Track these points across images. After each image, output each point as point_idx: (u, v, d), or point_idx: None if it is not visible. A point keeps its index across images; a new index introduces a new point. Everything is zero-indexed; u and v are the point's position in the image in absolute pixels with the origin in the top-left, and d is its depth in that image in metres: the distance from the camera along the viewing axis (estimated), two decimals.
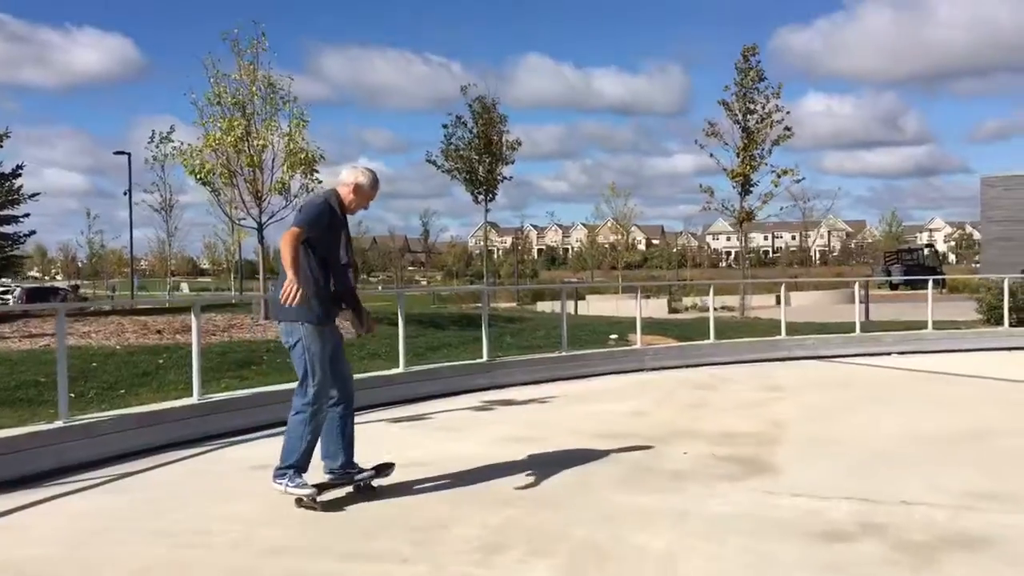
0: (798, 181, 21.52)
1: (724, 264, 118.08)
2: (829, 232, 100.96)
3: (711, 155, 20.71)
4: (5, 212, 30.69)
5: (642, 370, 11.39)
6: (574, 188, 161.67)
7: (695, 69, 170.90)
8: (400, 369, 9.21)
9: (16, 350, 10.39)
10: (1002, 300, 14.37)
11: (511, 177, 23.69)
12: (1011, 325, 14.26)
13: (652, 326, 15.82)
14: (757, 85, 20.12)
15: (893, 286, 38.39)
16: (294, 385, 8.27)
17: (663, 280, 56.17)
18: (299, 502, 5.11)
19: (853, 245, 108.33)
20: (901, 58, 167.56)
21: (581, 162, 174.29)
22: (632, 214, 54.08)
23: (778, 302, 32.02)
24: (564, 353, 11.09)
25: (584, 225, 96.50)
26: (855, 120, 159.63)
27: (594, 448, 6.64)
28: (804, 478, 5.69)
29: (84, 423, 6.47)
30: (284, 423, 7.68)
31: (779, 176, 20.51)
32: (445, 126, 22.96)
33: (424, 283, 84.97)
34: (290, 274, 4.80)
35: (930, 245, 62.81)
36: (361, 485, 5.39)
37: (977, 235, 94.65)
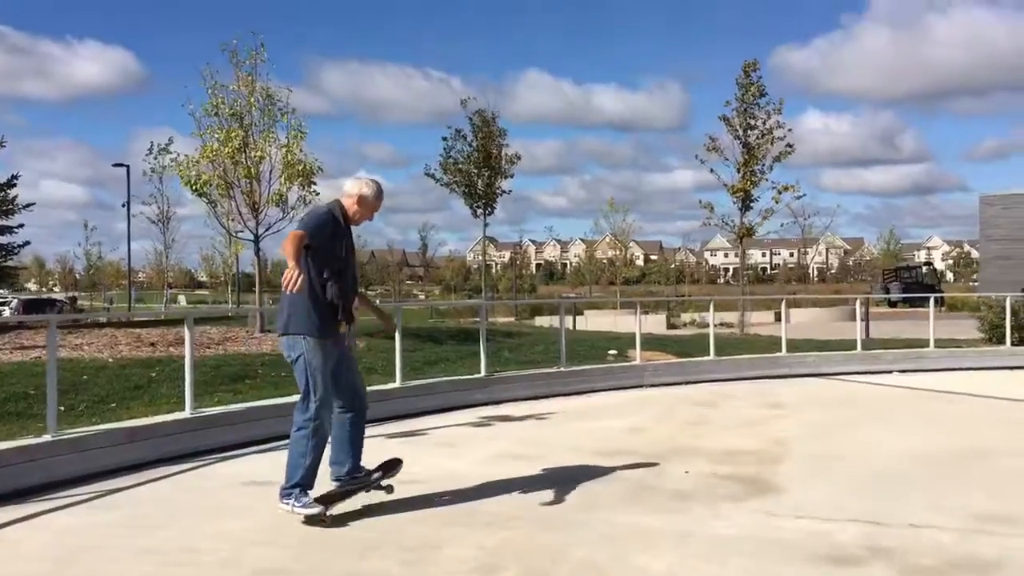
0: (799, 197, 21.46)
1: (722, 280, 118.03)
2: (827, 249, 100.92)
3: (711, 170, 20.66)
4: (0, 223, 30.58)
5: (641, 386, 11.28)
6: (572, 203, 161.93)
7: (694, 86, 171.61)
8: (397, 384, 9.10)
9: (6, 362, 10.26)
10: (1003, 319, 14.27)
11: (510, 191, 23.66)
12: (1013, 344, 14.16)
13: (651, 342, 15.71)
14: (758, 101, 20.06)
15: (892, 304, 38.31)
16: (289, 400, 8.25)
17: (661, 296, 56.09)
18: (309, 519, 4.99)
19: (851, 263, 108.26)
20: (899, 77, 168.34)
21: (580, 177, 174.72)
22: (631, 229, 54.07)
23: (777, 319, 32.00)
24: (563, 369, 10.98)
25: (582, 240, 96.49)
26: (853, 138, 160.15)
27: (593, 466, 6.52)
28: (808, 498, 5.57)
29: (73, 437, 6.35)
30: (278, 438, 7.64)
31: (780, 192, 20.46)
32: (445, 139, 22.93)
33: (422, 297, 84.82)
34: (291, 263, 4.67)
35: (928, 263, 62.82)
36: (370, 487, 5.33)
37: (975, 253, 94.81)
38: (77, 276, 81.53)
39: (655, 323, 27.73)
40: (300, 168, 14.52)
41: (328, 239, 4.99)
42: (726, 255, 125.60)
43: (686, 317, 31.96)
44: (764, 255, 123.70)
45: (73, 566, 4.37)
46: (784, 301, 13.93)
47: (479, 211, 22.81)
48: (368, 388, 8.72)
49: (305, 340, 4.99)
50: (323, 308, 5.00)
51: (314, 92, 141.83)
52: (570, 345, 11.51)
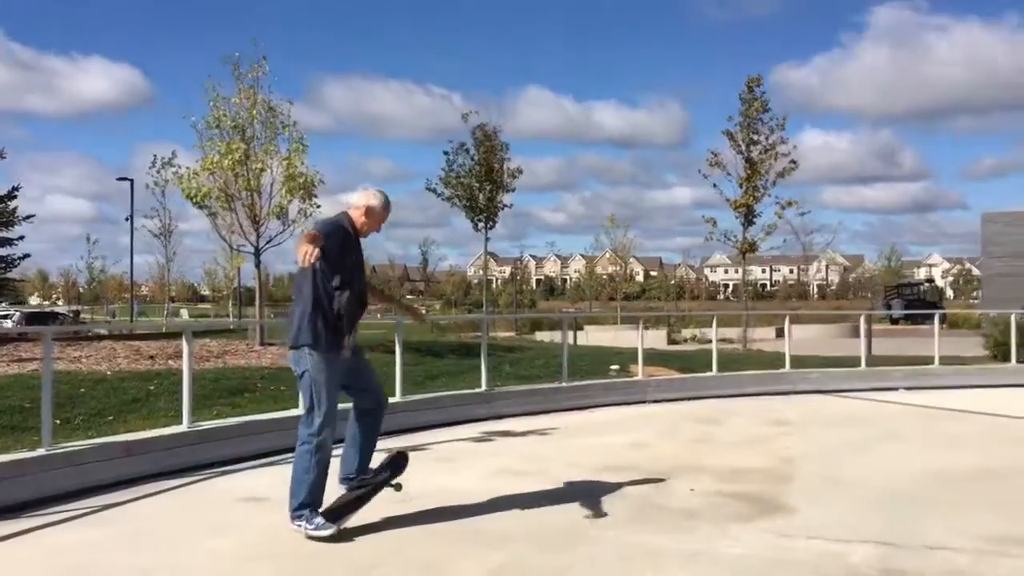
0: (803, 214, 21.39)
1: (722, 296, 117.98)
2: (827, 266, 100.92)
3: (714, 185, 20.60)
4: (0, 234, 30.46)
5: (644, 402, 11.17)
6: (572, 219, 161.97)
7: (694, 104, 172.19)
8: (397, 398, 8.97)
9: (2, 375, 10.14)
10: (1009, 336, 14.14)
11: (511, 205, 23.59)
12: (1019, 361, 14.02)
13: (653, 357, 15.59)
14: (761, 116, 20.01)
15: (894, 320, 38.22)
16: (288, 414, 8.15)
17: (662, 311, 55.94)
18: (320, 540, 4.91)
19: (851, 279, 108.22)
20: (898, 95, 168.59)
21: (580, 194, 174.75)
22: (631, 245, 54.03)
23: (779, 335, 31.90)
24: (564, 384, 10.86)
25: (583, 256, 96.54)
26: (852, 156, 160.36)
27: (597, 483, 6.40)
28: (819, 518, 5.44)
29: (68, 451, 6.24)
30: (277, 452, 7.55)
31: (783, 208, 20.39)
32: (446, 153, 22.87)
33: (422, 311, 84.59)
34: (308, 236, 4.58)
35: (930, 280, 62.77)
36: (380, 488, 5.28)
37: (976, 271, 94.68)
38: (80, 290, 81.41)
39: (656, 338, 27.61)
40: (301, 181, 14.45)
41: (338, 248, 4.90)
42: (726, 271, 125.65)
43: (687, 333, 31.84)
44: (764, 271, 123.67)
45: None
46: (788, 317, 13.79)
47: (480, 225, 22.74)
48: None
49: (311, 354, 4.92)
50: (330, 321, 4.92)
51: (315, 107, 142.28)
52: (571, 360, 11.41)
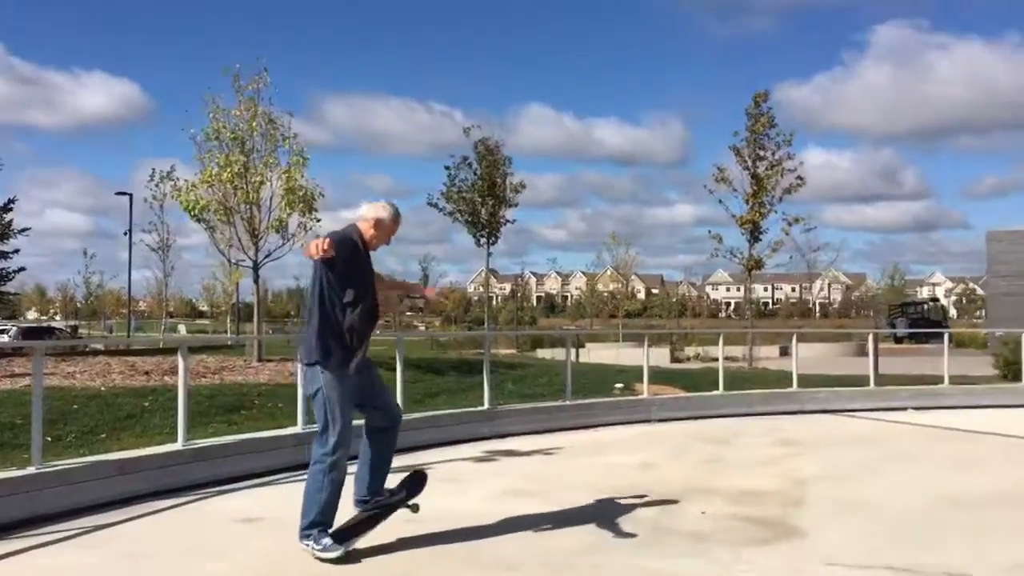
0: (809, 230, 21.19)
1: (724, 314, 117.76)
2: (829, 284, 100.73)
3: (720, 201, 20.42)
4: None
5: (649, 421, 10.97)
6: (573, 236, 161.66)
7: (695, 122, 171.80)
8: None
9: None
10: (1019, 355, 13.94)
11: (514, 221, 23.45)
12: None
13: (657, 375, 15.37)
14: (768, 132, 19.87)
15: (898, 339, 38.02)
16: (285, 431, 7.96)
17: (664, 329, 55.76)
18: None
19: (854, 298, 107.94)
20: (900, 114, 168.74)
21: (581, 210, 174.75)
22: (633, 263, 53.87)
23: (783, 353, 31.71)
24: (568, 402, 10.66)
25: (583, 273, 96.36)
26: (854, 174, 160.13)
27: (605, 505, 6.21)
28: (835, 543, 5.25)
29: (59, 470, 6.07)
30: (275, 472, 7.37)
31: (790, 224, 20.22)
32: (448, 168, 22.76)
33: (422, 328, 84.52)
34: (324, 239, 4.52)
35: (935, 299, 62.58)
36: (396, 508, 5.16)
37: (979, 290, 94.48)
38: (78, 305, 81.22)
39: (658, 356, 27.39)
40: (301, 194, 14.29)
41: (348, 260, 4.77)
42: (728, 289, 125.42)
43: (689, 351, 31.63)
44: (766, 290, 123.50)
45: None
46: (795, 336, 13.60)
47: (482, 241, 22.60)
48: None
49: (324, 372, 4.80)
50: (341, 337, 4.80)
51: (316, 124, 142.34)
52: (575, 378, 11.21)
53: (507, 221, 22.85)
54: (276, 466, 7.44)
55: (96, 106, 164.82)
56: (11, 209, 30.02)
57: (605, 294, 68.77)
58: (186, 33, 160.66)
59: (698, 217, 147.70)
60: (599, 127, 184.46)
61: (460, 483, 7.09)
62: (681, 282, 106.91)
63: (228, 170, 13.88)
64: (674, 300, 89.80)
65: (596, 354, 27.79)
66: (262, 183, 14.30)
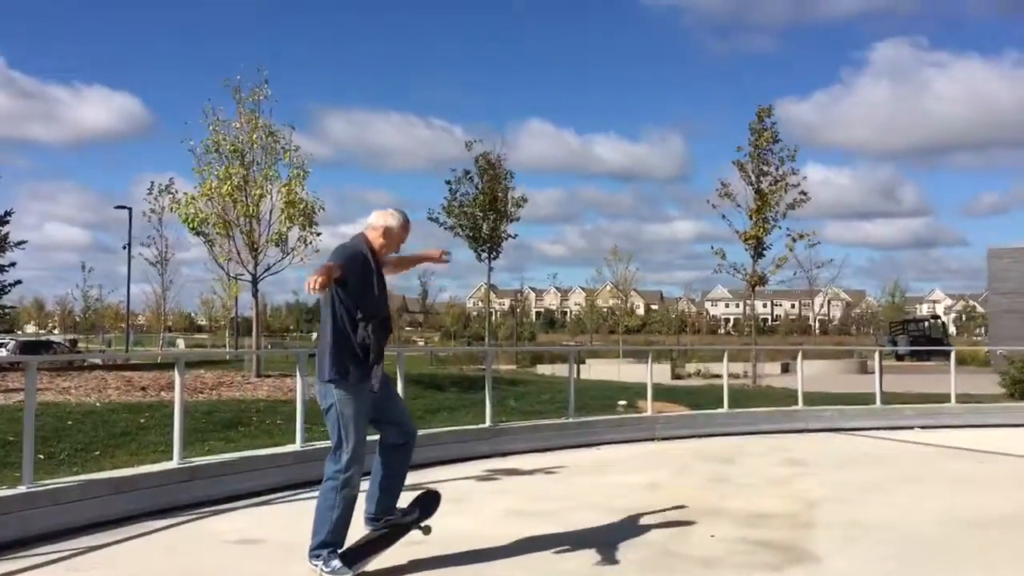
0: (813, 245, 21.02)
1: (723, 331, 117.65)
2: (829, 301, 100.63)
3: (723, 216, 20.27)
4: None
5: (652, 439, 10.81)
6: (572, 252, 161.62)
7: (694, 138, 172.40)
8: None
9: None
10: None
11: (515, 235, 23.31)
12: None
13: (658, 392, 15.20)
14: (771, 147, 19.75)
15: (899, 357, 37.85)
16: (284, 449, 7.80)
17: (664, 345, 55.59)
18: None
19: (854, 315, 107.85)
20: (899, 131, 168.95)
21: (580, 226, 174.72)
22: (633, 279, 53.79)
23: (784, 370, 31.57)
24: (571, 420, 10.50)
25: (583, 289, 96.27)
26: (853, 191, 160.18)
27: (611, 527, 6.06)
28: (848, 568, 5.10)
29: (51, 489, 5.90)
30: (273, 491, 7.21)
31: (794, 240, 20.06)
32: (448, 182, 22.64)
33: (422, 343, 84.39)
34: (323, 268, 4.41)
35: (936, 316, 62.38)
36: (408, 529, 5.05)
37: (979, 307, 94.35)
38: (77, 319, 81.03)
39: (660, 372, 27.22)
40: (302, 207, 14.16)
41: (360, 276, 4.68)
42: (727, 305, 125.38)
43: (690, 367, 31.51)
44: (765, 306, 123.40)
45: None
46: (800, 353, 13.45)
47: (483, 256, 22.46)
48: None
49: (337, 389, 4.69)
50: (355, 353, 4.70)
51: (316, 138, 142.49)
52: (577, 395, 11.05)
53: (508, 236, 22.73)
54: (274, 485, 7.29)
55: (96, 120, 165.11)
56: (7, 222, 29.78)
57: (604, 310, 68.69)
58: (188, 48, 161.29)
59: (698, 233, 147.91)
60: (598, 143, 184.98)
61: (464, 503, 6.92)
62: (681, 298, 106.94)
63: (228, 183, 13.74)
64: (674, 316, 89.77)
65: (597, 370, 27.67)
66: (262, 196, 14.15)
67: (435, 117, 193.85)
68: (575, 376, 12.11)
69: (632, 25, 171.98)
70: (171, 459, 6.87)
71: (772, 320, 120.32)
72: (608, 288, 60.19)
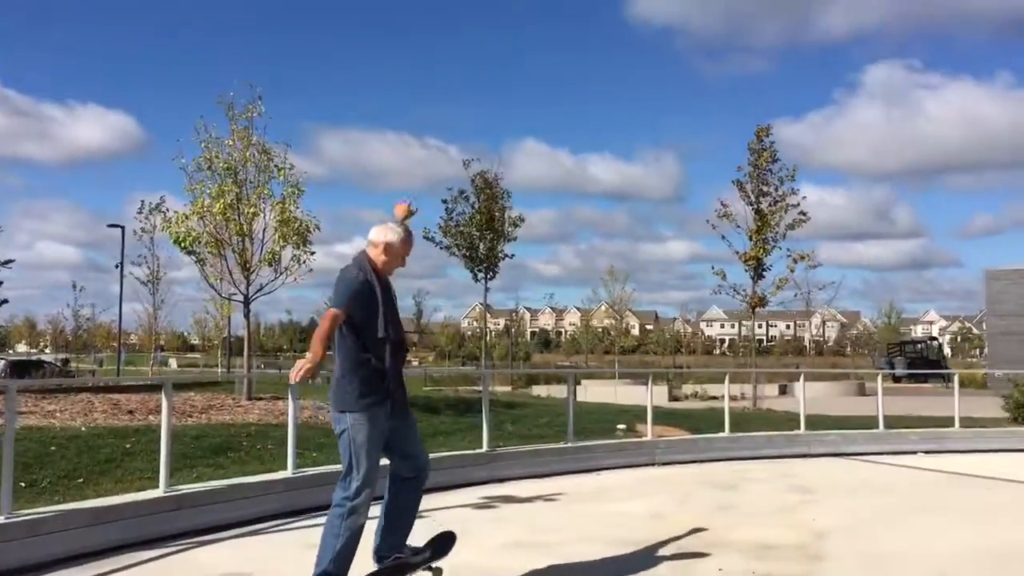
0: (814, 267, 20.82)
1: (718, 351, 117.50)
2: (824, 322, 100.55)
3: (723, 237, 20.06)
4: None
5: (653, 464, 10.57)
6: (566, 271, 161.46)
7: (689, 158, 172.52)
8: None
9: None
10: None
11: (513, 255, 23.11)
12: None
13: (657, 415, 14.91)
14: (770, 167, 19.57)
15: (896, 379, 37.69)
16: (275, 476, 7.54)
17: (660, 367, 55.33)
18: None
19: (849, 336, 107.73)
20: (892, 152, 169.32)
21: (575, 246, 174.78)
22: (629, 299, 53.65)
23: (782, 392, 31.33)
24: (570, 444, 10.25)
25: (578, 309, 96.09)
26: (847, 212, 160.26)
27: (615, 559, 5.83)
28: None
29: (30, 519, 5.64)
30: (264, 519, 6.95)
31: (795, 261, 19.84)
32: (445, 201, 22.46)
33: (416, 363, 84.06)
34: (313, 347, 4.35)
35: (933, 338, 62.27)
36: (417, 568, 4.87)
37: (975, 329, 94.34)
38: (69, 338, 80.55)
39: (657, 395, 26.82)
40: (296, 226, 13.92)
41: (363, 304, 4.52)
42: (722, 326, 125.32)
43: (687, 389, 31.27)
44: (760, 327, 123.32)
45: None
46: (802, 376, 13.24)
47: (480, 275, 22.24)
48: None
49: (350, 414, 4.52)
50: (369, 378, 4.54)
51: (312, 157, 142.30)
52: (575, 418, 10.80)
53: (505, 255, 22.51)
54: (265, 514, 7.04)
55: (91, 138, 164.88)
56: None
57: (600, 330, 68.49)
58: (183, 68, 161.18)
59: (692, 254, 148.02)
60: (593, 162, 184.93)
61: (462, 534, 6.63)
62: (676, 319, 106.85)
63: (220, 201, 13.50)
64: (669, 337, 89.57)
65: (593, 391, 27.36)
66: (255, 214, 13.91)
67: (431, 137, 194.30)
68: (573, 399, 11.85)
69: (626, 47, 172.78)
70: (157, 487, 6.62)
71: (767, 340, 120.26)
72: (603, 308, 60.04)
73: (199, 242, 13.82)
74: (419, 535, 5.60)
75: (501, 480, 9.10)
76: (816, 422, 13.57)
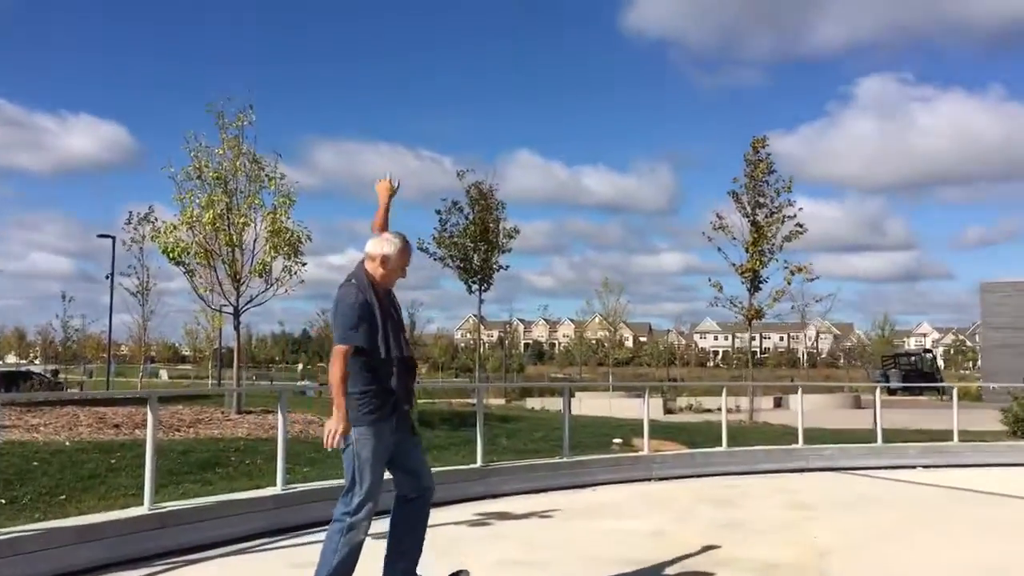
0: (812, 279, 20.64)
1: (712, 363, 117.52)
2: (818, 334, 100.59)
3: (719, 249, 19.89)
4: None
5: (649, 479, 10.39)
6: (560, 283, 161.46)
7: (683, 171, 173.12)
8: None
9: None
10: None
11: (507, 267, 22.94)
12: None
13: (653, 429, 14.70)
14: (767, 178, 19.43)
15: (891, 391, 37.61)
16: (264, 492, 7.34)
17: (654, 379, 55.22)
18: None
19: (843, 348, 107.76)
20: (884, 165, 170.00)
21: (569, 258, 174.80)
22: (624, 311, 53.54)
23: (776, 404, 31.19)
24: (565, 459, 10.06)
25: (572, 321, 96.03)
26: (839, 224, 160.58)
27: None
28: None
29: (10, 538, 5.45)
30: (251, 537, 6.75)
31: (792, 273, 19.67)
32: (439, 212, 22.29)
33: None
34: (335, 400, 4.29)
35: (928, 350, 62.19)
36: None
37: (968, 341, 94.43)
38: (58, 348, 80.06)
39: (652, 407, 26.74)
40: (287, 237, 13.72)
41: (368, 328, 4.40)
42: (716, 338, 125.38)
43: (682, 402, 31.12)
44: (754, 339, 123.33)
45: None
46: (800, 390, 13.08)
47: (474, 287, 22.05)
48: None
49: (355, 428, 4.39)
50: (375, 394, 4.42)
51: (305, 168, 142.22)
52: (570, 432, 10.61)
53: (500, 267, 22.34)
54: (252, 531, 6.84)
55: (83, 149, 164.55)
56: None
57: (593, 342, 68.37)
58: (177, 80, 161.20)
59: (686, 266, 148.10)
60: (587, 174, 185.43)
61: (450, 554, 6.45)
62: (670, 331, 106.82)
63: (210, 211, 13.29)
64: (663, 349, 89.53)
65: (588, 404, 27.19)
66: (246, 224, 13.71)
67: (424, 148, 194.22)
68: (569, 413, 11.67)
69: (620, 59, 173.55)
70: (142, 504, 6.42)
71: (761, 352, 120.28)
72: (597, 320, 59.92)
73: (188, 253, 13.60)
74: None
75: (496, 496, 8.91)
76: (813, 435, 13.41)
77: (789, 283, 19.68)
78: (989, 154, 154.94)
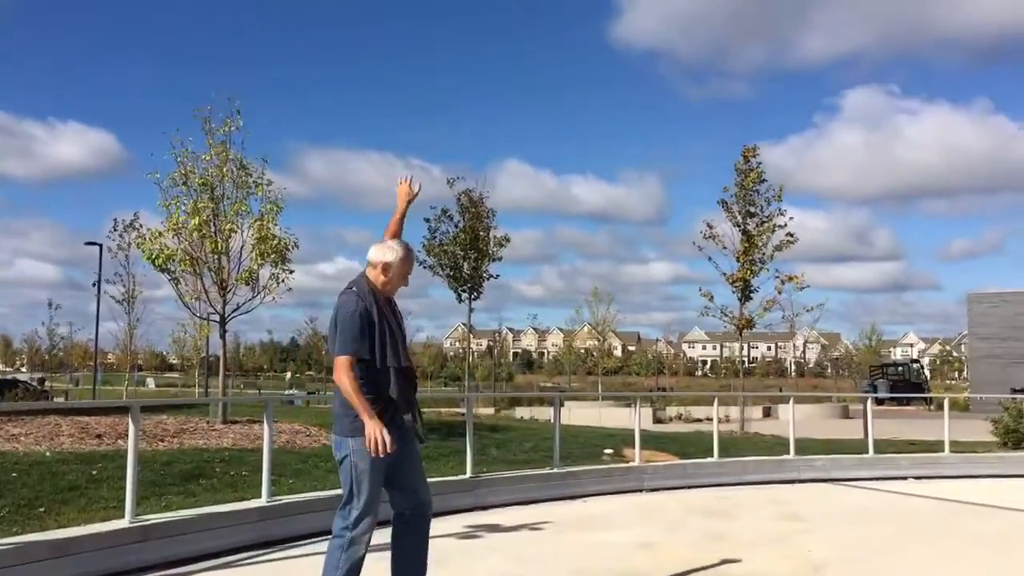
0: (803, 288, 20.54)
1: (700, 373, 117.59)
2: (806, 343, 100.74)
3: (709, 259, 19.80)
4: None
5: (641, 490, 10.28)
6: (549, 292, 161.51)
7: (671, 181, 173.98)
8: None
9: None
10: (1021, 422, 13.41)
11: (498, 275, 22.81)
12: None
13: (644, 439, 14.62)
14: (757, 187, 19.35)
15: (879, 401, 37.61)
16: (249, 504, 7.20)
17: (643, 390, 55.12)
18: None
19: (830, 357, 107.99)
20: (870, 176, 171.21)
21: (558, 267, 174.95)
22: (613, 320, 53.48)
23: (766, 414, 31.14)
24: (556, 470, 9.94)
25: (561, 330, 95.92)
26: (826, 235, 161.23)
27: None
28: None
29: None
30: (236, 551, 6.60)
31: (783, 283, 19.58)
32: (428, 220, 22.16)
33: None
34: (360, 408, 4.14)
35: (915, 360, 62.28)
36: None
37: (954, 352, 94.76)
38: (45, 356, 79.48)
39: (642, 417, 26.77)
40: (274, 244, 13.55)
41: (367, 335, 4.30)
42: (704, 347, 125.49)
43: (671, 411, 31.04)
44: (742, 348, 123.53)
45: None
46: (792, 400, 13.01)
47: (464, 296, 21.90)
48: (336, 491, 7.72)
49: (353, 440, 4.27)
50: (371, 402, 4.27)
51: (295, 177, 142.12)
52: (561, 442, 10.49)
53: (490, 276, 22.20)
54: (237, 545, 6.69)
55: (71, 157, 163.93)
56: None
57: (582, 351, 68.29)
58: (165, 88, 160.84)
59: (674, 275, 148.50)
60: (576, 184, 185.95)
61: (446, 566, 6.33)
62: (659, 340, 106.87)
63: (196, 217, 13.11)
64: (651, 358, 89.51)
65: (577, 414, 27.02)
66: (233, 231, 13.52)
67: (414, 157, 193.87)
68: (559, 423, 11.54)
69: (609, 69, 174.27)
70: (123, 517, 6.27)
71: (749, 362, 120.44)
72: (586, 329, 59.84)
73: (173, 260, 13.41)
74: None
75: (485, 508, 8.78)
76: (803, 445, 13.32)
77: (780, 292, 19.58)
78: (974, 166, 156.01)
